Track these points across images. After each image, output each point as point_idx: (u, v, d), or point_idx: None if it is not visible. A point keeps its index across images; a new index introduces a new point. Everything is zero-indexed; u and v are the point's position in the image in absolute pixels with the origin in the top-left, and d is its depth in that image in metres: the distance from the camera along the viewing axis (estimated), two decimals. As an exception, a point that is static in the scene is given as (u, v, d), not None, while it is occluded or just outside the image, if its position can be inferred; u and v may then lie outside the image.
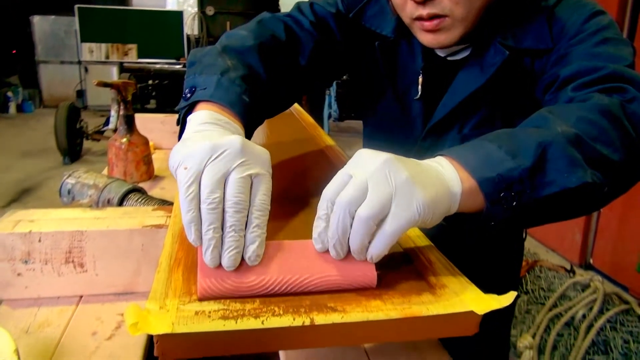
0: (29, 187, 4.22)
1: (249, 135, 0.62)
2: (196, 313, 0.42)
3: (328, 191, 0.45)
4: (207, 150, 0.45)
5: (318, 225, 0.46)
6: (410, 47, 0.79)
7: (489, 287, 0.48)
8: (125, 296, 0.69)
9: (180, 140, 0.51)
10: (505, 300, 0.45)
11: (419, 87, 0.78)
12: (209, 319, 0.41)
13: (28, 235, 0.64)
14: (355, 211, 0.43)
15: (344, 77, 0.94)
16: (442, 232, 0.55)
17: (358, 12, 0.81)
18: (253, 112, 0.61)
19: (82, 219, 0.68)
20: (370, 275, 0.47)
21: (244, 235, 0.45)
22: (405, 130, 0.84)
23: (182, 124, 0.60)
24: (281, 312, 0.42)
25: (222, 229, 0.44)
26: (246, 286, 0.45)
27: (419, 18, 0.68)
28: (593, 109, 0.55)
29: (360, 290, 0.47)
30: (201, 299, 0.44)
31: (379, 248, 0.44)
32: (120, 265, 0.68)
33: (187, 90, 0.60)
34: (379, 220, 0.43)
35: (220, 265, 0.45)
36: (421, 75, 0.77)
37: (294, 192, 0.72)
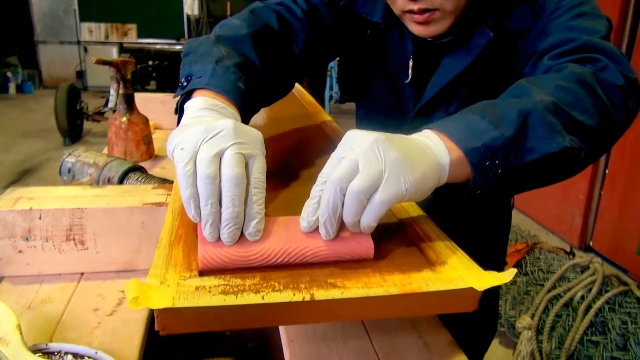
0: (29, 168, 4.23)
1: (245, 121, 0.63)
2: (196, 288, 0.42)
3: (321, 175, 0.47)
4: (201, 132, 0.47)
5: (308, 206, 0.48)
6: (400, 33, 0.81)
7: (476, 255, 0.50)
8: (126, 273, 0.69)
9: (178, 126, 0.53)
10: (504, 277, 0.45)
11: (410, 71, 0.80)
12: (209, 294, 0.41)
13: (28, 212, 0.64)
14: (347, 188, 0.44)
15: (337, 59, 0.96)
16: (431, 203, 0.57)
17: None
18: (248, 99, 0.63)
19: (83, 196, 0.68)
20: (367, 245, 0.48)
21: (244, 212, 0.46)
22: (396, 112, 0.85)
23: (180, 112, 0.62)
24: (281, 288, 0.42)
25: (220, 204, 0.46)
26: (246, 258, 0.46)
27: (410, 11, 0.70)
28: (568, 78, 0.57)
29: (359, 266, 0.47)
30: (202, 271, 0.45)
31: (369, 218, 0.45)
32: (121, 243, 0.68)
33: (183, 79, 0.62)
34: (370, 195, 0.44)
35: (219, 239, 0.46)
36: (411, 60, 0.79)
37: (291, 164, 0.73)
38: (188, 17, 7.76)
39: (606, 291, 2.01)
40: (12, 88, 7.46)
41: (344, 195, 0.44)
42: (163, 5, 7.61)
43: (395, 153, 0.45)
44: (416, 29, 0.73)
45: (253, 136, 0.49)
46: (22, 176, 4.05)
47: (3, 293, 0.64)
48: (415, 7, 0.68)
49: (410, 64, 0.79)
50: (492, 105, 0.54)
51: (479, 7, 0.73)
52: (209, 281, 0.43)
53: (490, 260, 0.99)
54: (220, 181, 0.45)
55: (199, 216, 0.46)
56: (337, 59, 5.55)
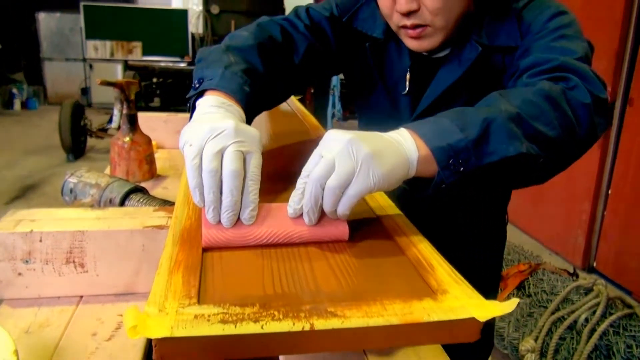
0: (32, 184, 4.24)
1: (249, 119, 0.71)
2: (195, 317, 0.41)
3: (305, 170, 0.55)
4: (207, 131, 0.54)
5: (294, 196, 0.56)
6: (398, 48, 0.87)
7: (471, 271, 0.55)
8: (126, 297, 0.68)
9: (190, 120, 0.61)
10: (507, 307, 0.44)
11: (407, 83, 0.86)
12: (208, 323, 0.41)
13: (29, 234, 0.64)
14: (326, 183, 0.52)
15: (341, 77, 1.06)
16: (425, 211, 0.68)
17: (351, 15, 0.89)
18: (252, 100, 0.70)
19: (83, 219, 0.68)
20: (342, 229, 0.56)
21: (241, 200, 0.54)
22: (394, 121, 0.91)
23: (192, 109, 0.69)
24: (281, 317, 0.42)
25: (221, 193, 0.53)
26: (242, 238, 0.55)
27: (405, 27, 0.77)
28: (537, 93, 0.63)
29: (360, 294, 0.46)
30: (205, 248, 0.54)
31: (343, 208, 0.53)
32: (121, 266, 0.67)
33: (196, 81, 0.70)
34: (344, 189, 0.52)
35: (220, 222, 0.55)
36: (408, 73, 0.86)
37: (289, 171, 0.77)
38: (192, 35, 7.86)
39: (610, 314, 1.98)
40: (17, 104, 7.53)
41: (323, 189, 0.52)
42: (168, 24, 7.71)
43: (366, 150, 0.52)
44: (410, 44, 0.80)
45: (251, 135, 0.55)
46: (25, 192, 4.05)
47: (1, 316, 0.63)
48: (408, 22, 0.76)
49: (408, 76, 0.86)
50: (462, 111, 0.60)
51: (470, 25, 0.80)
52: (208, 309, 0.43)
53: (485, 277, 1.03)
54: (221, 174, 0.53)
55: (203, 202, 0.54)
56: (341, 77, 5.62)
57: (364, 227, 0.63)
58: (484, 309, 0.44)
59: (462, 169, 0.56)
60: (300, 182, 0.55)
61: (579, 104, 0.64)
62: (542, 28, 0.76)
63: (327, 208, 0.54)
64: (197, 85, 0.69)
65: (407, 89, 0.86)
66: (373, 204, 0.68)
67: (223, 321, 0.41)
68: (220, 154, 0.53)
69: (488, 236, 1.03)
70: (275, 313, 0.43)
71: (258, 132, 0.57)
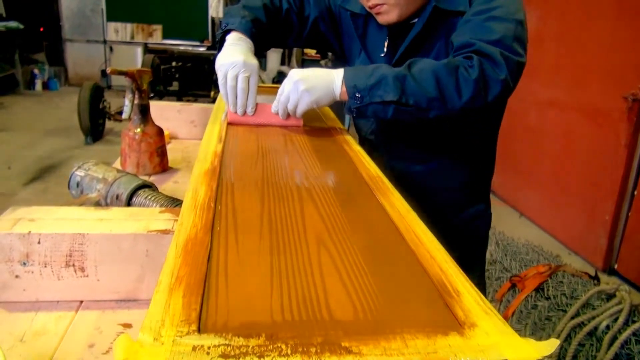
0: (50, 165, 4.26)
1: (257, 51, 1.07)
2: (194, 348, 0.37)
3: (279, 90, 0.97)
4: (229, 63, 0.97)
5: (275, 101, 0.99)
6: (378, 22, 1.09)
7: (455, 250, 0.58)
8: (127, 303, 0.65)
9: (221, 50, 1.02)
10: (545, 348, 0.39)
11: (385, 48, 1.10)
12: (207, 357, 0.36)
13: (27, 236, 0.60)
14: (287, 106, 0.95)
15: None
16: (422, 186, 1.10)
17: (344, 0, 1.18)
18: (259, 39, 1.08)
19: (85, 219, 0.64)
20: (299, 121, 1.01)
21: (246, 102, 0.99)
22: None
23: (221, 42, 1.07)
24: (289, 352, 0.37)
25: (236, 98, 0.98)
26: (247, 120, 1.01)
27: (369, 7, 1.02)
28: (434, 65, 0.87)
29: (379, 328, 0.42)
30: (229, 123, 1.00)
31: (298, 115, 0.97)
32: (123, 271, 0.64)
33: (222, 25, 1.09)
34: (296, 107, 0.94)
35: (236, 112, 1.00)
36: (387, 41, 1.09)
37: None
38: (213, 19, 7.80)
39: (633, 322, 1.91)
40: (38, 85, 7.58)
41: (286, 107, 0.95)
42: (188, 8, 7.66)
43: (303, 88, 0.92)
44: (378, 19, 1.04)
45: (253, 65, 0.98)
46: (43, 173, 4.08)
47: (-3, 321, 0.60)
48: (369, 3, 1.01)
49: (386, 43, 1.10)
50: (379, 67, 0.90)
51: None
52: (209, 340, 0.38)
53: (468, 256, 1.14)
54: (236, 88, 0.96)
55: (227, 102, 0.99)
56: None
57: (381, 236, 0.58)
58: (519, 349, 0.39)
59: (359, 102, 0.89)
60: (277, 96, 0.97)
61: (465, 78, 0.85)
62: (483, 3, 0.94)
63: (290, 113, 0.97)
64: (224, 28, 1.08)
65: (384, 52, 1.10)
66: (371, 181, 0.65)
67: (224, 355, 0.37)
68: (236, 77, 0.96)
69: (470, 213, 1.19)
70: (283, 347, 0.38)
71: (257, 62, 1.00)
